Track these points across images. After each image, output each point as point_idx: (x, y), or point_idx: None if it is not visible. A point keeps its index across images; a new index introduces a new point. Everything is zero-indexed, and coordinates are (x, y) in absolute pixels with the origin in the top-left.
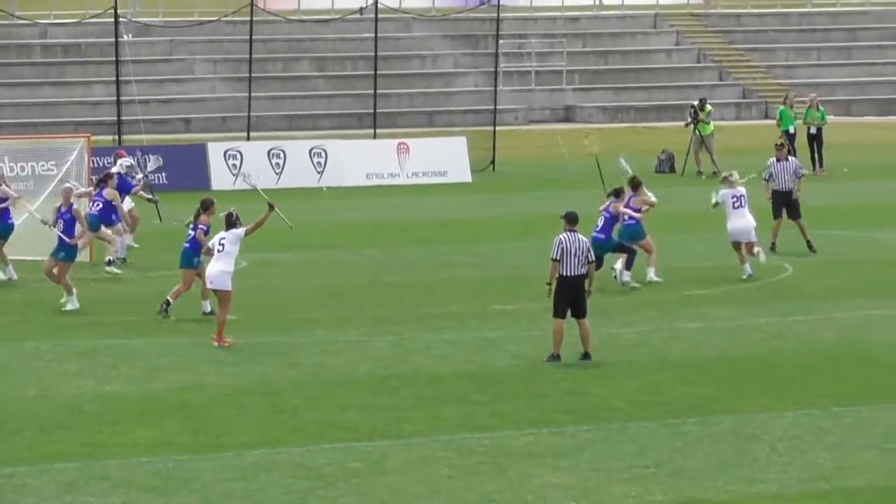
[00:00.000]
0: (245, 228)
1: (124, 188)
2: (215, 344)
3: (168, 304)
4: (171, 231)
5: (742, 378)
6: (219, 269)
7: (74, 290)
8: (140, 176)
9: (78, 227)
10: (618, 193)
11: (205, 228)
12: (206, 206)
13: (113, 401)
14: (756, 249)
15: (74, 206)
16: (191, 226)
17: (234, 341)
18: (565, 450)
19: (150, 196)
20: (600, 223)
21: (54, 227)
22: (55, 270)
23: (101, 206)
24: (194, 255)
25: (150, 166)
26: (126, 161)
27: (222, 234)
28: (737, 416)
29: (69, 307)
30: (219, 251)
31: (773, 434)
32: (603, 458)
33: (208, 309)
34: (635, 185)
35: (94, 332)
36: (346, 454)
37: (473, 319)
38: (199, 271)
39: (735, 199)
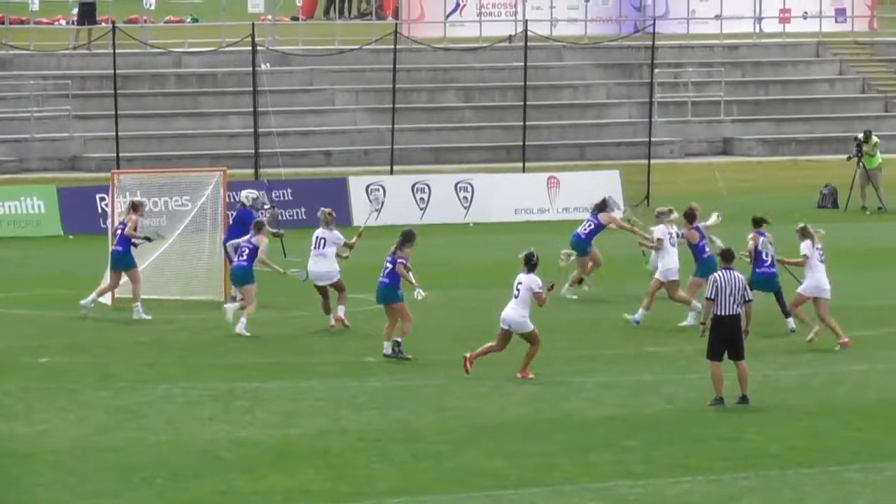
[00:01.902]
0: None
1: (249, 221)
2: (519, 375)
3: (398, 344)
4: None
5: None
6: (518, 314)
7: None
8: (268, 207)
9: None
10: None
11: (405, 262)
12: (409, 238)
13: (248, 447)
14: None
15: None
16: (388, 258)
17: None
18: (722, 498)
19: (276, 230)
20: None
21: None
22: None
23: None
24: (396, 288)
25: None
26: (252, 193)
27: (520, 277)
28: None
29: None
30: (515, 296)
31: None
32: None
33: (388, 351)
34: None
35: (228, 375)
36: (492, 503)
37: (627, 362)
38: (400, 307)
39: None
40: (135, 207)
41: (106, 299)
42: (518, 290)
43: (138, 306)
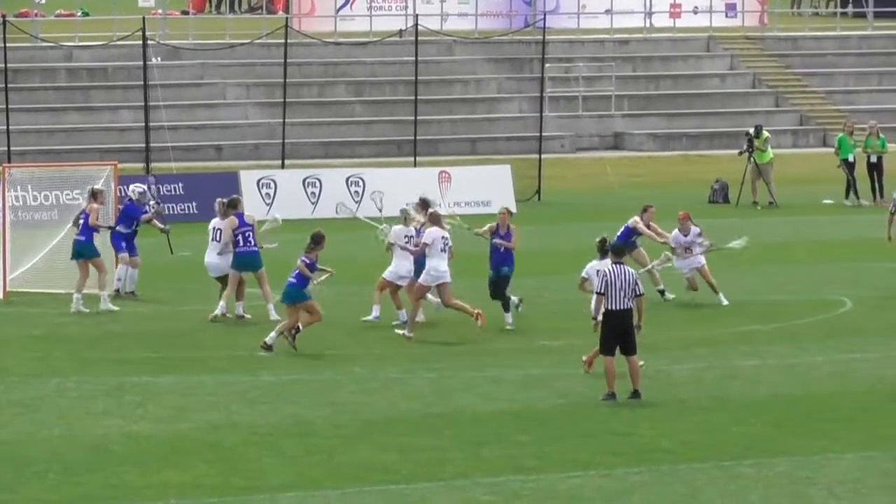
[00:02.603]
0: None
1: (135, 215)
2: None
3: (269, 345)
4: (181, 262)
5: (799, 418)
6: None
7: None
8: (152, 203)
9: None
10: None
11: (308, 262)
12: (318, 241)
13: (141, 441)
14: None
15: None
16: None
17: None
18: (614, 493)
19: (162, 226)
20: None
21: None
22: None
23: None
24: (302, 288)
25: (268, 226)
26: (138, 187)
27: (595, 264)
28: (793, 458)
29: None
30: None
31: (832, 477)
32: (653, 501)
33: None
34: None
35: (120, 369)
36: (384, 497)
37: (518, 356)
38: (306, 305)
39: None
40: (94, 196)
41: None
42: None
43: (105, 295)
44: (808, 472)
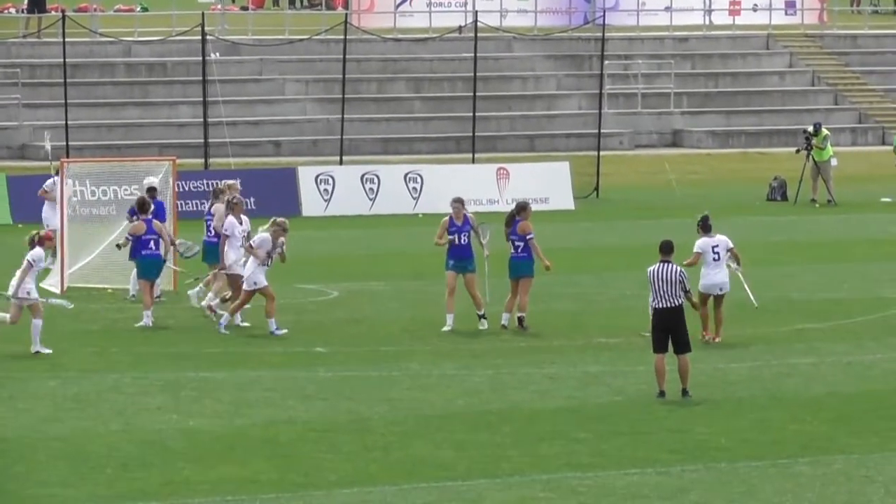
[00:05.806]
0: None
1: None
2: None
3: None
4: None
5: (856, 416)
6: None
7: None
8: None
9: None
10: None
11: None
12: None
13: (197, 436)
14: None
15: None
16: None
17: None
18: (671, 490)
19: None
20: None
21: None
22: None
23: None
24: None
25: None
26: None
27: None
28: (850, 457)
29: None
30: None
31: (888, 475)
32: (710, 499)
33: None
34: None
35: (177, 365)
36: (441, 493)
37: (575, 353)
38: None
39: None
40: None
41: (55, 287)
42: (718, 253)
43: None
44: (866, 471)
